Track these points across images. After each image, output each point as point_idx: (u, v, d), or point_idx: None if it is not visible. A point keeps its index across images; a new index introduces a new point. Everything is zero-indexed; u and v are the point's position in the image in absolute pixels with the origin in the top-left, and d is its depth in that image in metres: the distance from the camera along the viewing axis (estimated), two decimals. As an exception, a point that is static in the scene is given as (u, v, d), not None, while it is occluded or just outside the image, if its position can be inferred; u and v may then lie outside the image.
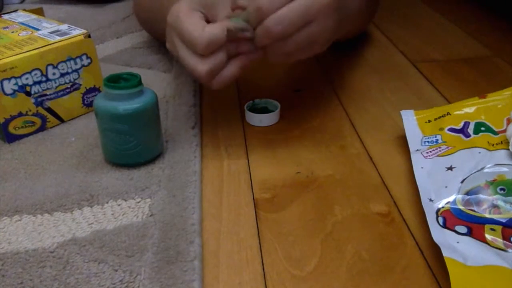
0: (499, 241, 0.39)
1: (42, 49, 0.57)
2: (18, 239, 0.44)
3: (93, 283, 0.39)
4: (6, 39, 0.60)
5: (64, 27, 0.63)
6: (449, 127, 0.53)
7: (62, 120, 0.62)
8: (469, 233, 0.41)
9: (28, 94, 0.57)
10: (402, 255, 0.42)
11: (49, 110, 0.60)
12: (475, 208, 0.42)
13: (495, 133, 0.50)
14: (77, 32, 0.61)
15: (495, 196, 0.43)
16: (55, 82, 0.59)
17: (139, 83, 0.50)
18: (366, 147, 0.56)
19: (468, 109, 0.54)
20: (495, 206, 0.42)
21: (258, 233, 0.45)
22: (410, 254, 0.42)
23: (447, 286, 0.37)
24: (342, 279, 0.40)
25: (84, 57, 0.61)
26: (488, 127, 0.51)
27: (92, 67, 0.62)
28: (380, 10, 0.87)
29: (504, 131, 0.50)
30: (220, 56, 0.46)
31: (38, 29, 0.62)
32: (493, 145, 0.48)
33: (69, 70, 0.60)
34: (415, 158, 0.50)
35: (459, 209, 0.43)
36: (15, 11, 0.71)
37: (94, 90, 0.63)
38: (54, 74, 0.59)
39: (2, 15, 0.69)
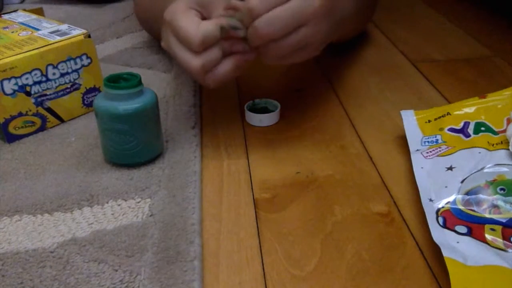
0: (499, 241, 0.39)
1: (42, 49, 0.57)
2: (18, 239, 0.44)
3: (93, 283, 0.39)
4: (6, 39, 0.60)
5: (64, 27, 0.63)
6: (449, 127, 0.53)
7: (62, 120, 0.62)
8: (469, 233, 0.41)
9: (28, 94, 0.57)
10: (402, 255, 0.42)
11: (49, 110, 0.60)
12: (475, 208, 0.42)
13: (495, 133, 0.50)
14: (77, 32, 0.61)
15: (495, 196, 0.43)
16: (55, 82, 0.59)
17: (139, 83, 0.50)
18: (366, 147, 0.56)
19: (468, 109, 0.54)
20: (495, 206, 0.42)
21: (258, 233, 0.45)
22: (410, 254, 0.42)
23: (447, 286, 0.37)
24: (342, 279, 0.40)
25: (84, 57, 0.61)
26: (488, 127, 0.51)
27: (92, 67, 0.62)
28: (380, 10, 0.87)
29: (504, 131, 0.50)
30: (214, 52, 0.46)
31: (38, 29, 0.62)
32: (493, 145, 0.48)
33: (69, 70, 0.60)
34: (415, 158, 0.50)
35: (459, 209, 0.43)
36: (15, 11, 0.71)
37: (94, 90, 0.63)
38: (54, 74, 0.59)
39: (2, 15, 0.69)
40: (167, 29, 0.48)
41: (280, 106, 0.62)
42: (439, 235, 0.41)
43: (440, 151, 0.50)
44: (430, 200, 0.44)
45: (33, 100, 0.58)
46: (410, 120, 0.55)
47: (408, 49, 0.83)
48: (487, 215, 0.42)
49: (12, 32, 0.62)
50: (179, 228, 0.44)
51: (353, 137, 0.58)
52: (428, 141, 0.52)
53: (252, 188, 0.50)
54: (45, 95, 0.59)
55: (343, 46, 0.82)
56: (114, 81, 0.50)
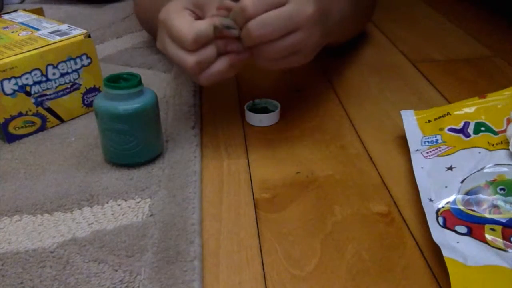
0: (499, 241, 0.39)
1: (42, 49, 0.57)
2: (18, 239, 0.44)
3: (93, 283, 0.39)
4: (6, 39, 0.60)
5: (64, 27, 0.63)
6: (449, 127, 0.53)
7: (62, 120, 0.62)
8: (469, 233, 0.41)
9: (28, 94, 0.57)
10: (402, 255, 0.42)
11: (49, 110, 0.60)
12: (475, 208, 0.42)
13: (495, 133, 0.50)
14: (77, 32, 0.61)
15: (495, 196, 0.43)
16: (55, 82, 0.59)
17: (139, 83, 0.50)
18: (366, 147, 0.56)
19: (468, 109, 0.54)
20: (495, 206, 0.42)
21: (258, 233, 0.45)
22: (410, 254, 0.42)
23: (447, 286, 0.37)
24: (342, 279, 0.40)
25: (84, 57, 0.61)
26: (488, 127, 0.51)
27: (92, 67, 0.62)
28: (380, 10, 0.87)
29: (504, 131, 0.50)
30: (209, 50, 0.47)
31: (38, 29, 0.62)
32: (493, 145, 0.48)
33: (69, 70, 0.60)
34: (415, 158, 0.50)
35: (459, 209, 0.43)
36: (15, 11, 0.71)
37: (94, 90, 0.63)
38: (54, 74, 0.59)
39: (2, 15, 0.69)
40: (162, 29, 0.49)
41: (280, 106, 0.62)
42: (439, 235, 0.41)
43: (440, 151, 0.50)
44: (430, 200, 0.44)
45: (33, 100, 0.58)
46: (410, 120, 0.55)
47: (408, 49, 0.83)
48: (487, 215, 0.42)
49: (12, 32, 0.62)
50: (179, 228, 0.44)
51: (353, 137, 0.58)
52: (428, 141, 0.52)
53: (252, 188, 0.50)
54: (45, 95, 0.59)
55: (343, 46, 0.82)
56: (114, 81, 0.50)
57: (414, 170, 0.48)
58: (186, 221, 0.44)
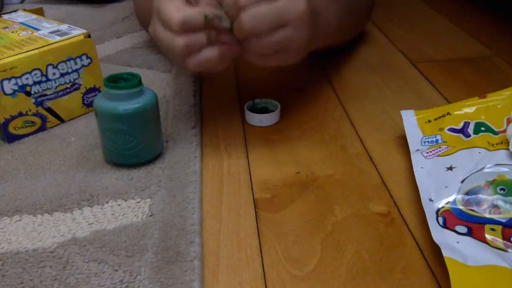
0: (499, 241, 0.39)
1: (42, 49, 0.57)
2: (18, 239, 0.44)
3: (93, 283, 0.39)
4: (6, 39, 0.60)
5: (64, 27, 0.63)
6: (449, 127, 0.53)
7: (62, 120, 0.62)
8: (469, 233, 0.41)
9: (28, 94, 0.57)
10: (402, 255, 0.42)
11: (49, 110, 0.60)
12: (475, 208, 0.42)
13: (495, 133, 0.50)
14: (77, 32, 0.61)
15: (495, 196, 0.43)
16: (55, 82, 0.59)
17: (139, 83, 0.50)
18: (366, 147, 0.56)
19: (468, 109, 0.54)
20: (495, 206, 0.42)
21: (258, 233, 0.45)
22: (410, 254, 0.42)
23: (447, 286, 0.37)
24: (342, 279, 0.40)
25: (84, 57, 0.61)
26: (488, 127, 0.51)
27: (92, 67, 0.62)
28: (379, 9, 0.87)
29: (504, 131, 0.50)
30: (199, 36, 0.47)
31: (38, 29, 0.62)
32: (493, 145, 0.48)
33: (69, 70, 0.60)
34: (415, 158, 0.50)
35: (459, 209, 0.43)
36: (15, 11, 0.71)
37: (94, 90, 0.63)
38: (54, 74, 0.59)
39: (2, 15, 0.69)
40: (154, 14, 0.49)
41: (280, 106, 0.62)
42: (439, 235, 0.41)
43: (440, 151, 0.50)
44: (430, 200, 0.44)
45: (33, 100, 0.58)
46: (410, 120, 0.55)
47: (408, 49, 0.83)
48: (487, 215, 0.42)
49: (12, 32, 0.62)
50: (179, 228, 0.44)
51: (353, 137, 0.58)
52: (428, 141, 0.52)
53: (252, 188, 0.50)
54: (45, 95, 0.59)
55: (343, 46, 0.82)
56: (114, 81, 0.50)
57: (414, 170, 0.48)
58: (186, 221, 0.44)
